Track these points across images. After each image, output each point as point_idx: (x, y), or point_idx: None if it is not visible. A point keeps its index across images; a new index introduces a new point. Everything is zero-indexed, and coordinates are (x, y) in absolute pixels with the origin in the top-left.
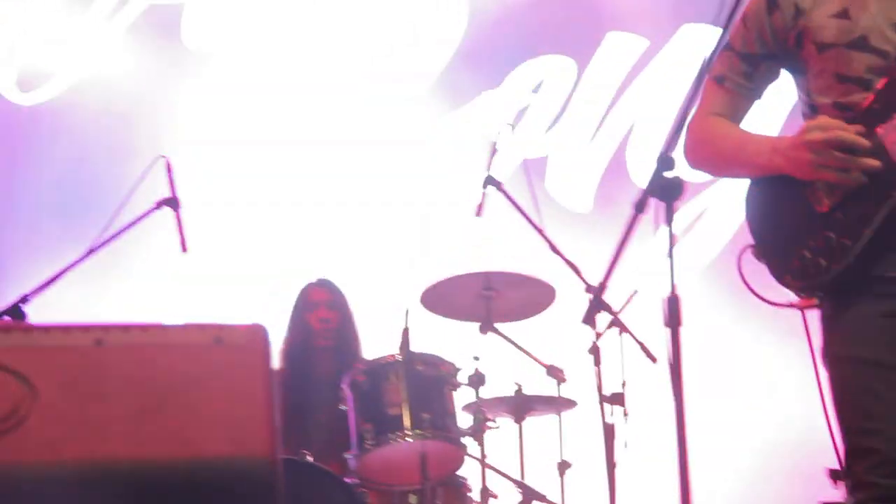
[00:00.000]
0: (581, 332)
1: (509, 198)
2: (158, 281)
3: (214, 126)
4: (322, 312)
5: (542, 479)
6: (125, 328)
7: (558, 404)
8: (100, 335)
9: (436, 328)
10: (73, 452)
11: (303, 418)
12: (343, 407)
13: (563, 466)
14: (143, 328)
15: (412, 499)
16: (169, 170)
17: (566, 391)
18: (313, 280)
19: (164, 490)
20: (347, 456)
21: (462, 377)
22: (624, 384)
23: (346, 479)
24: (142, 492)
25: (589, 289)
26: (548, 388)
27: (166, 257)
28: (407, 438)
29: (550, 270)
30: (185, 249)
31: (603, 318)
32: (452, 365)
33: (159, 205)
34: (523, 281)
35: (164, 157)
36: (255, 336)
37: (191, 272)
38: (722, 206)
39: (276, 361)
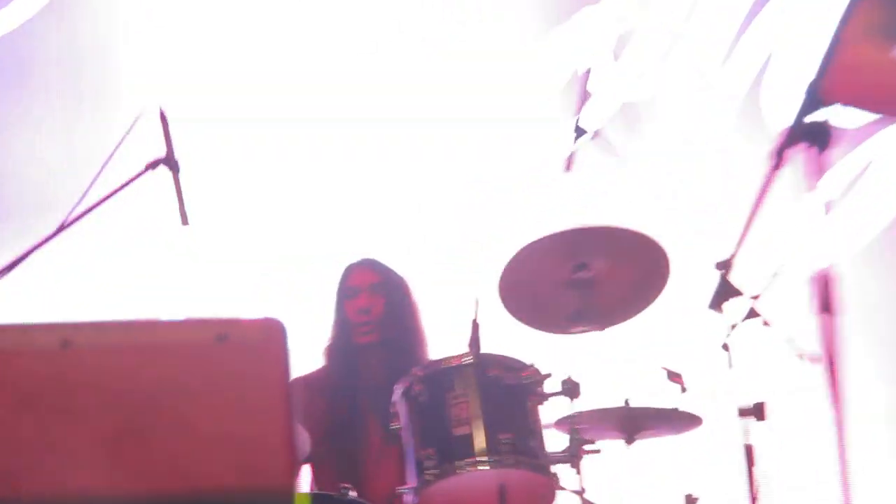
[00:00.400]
0: (706, 323)
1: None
2: (150, 263)
3: (221, 64)
4: (362, 300)
5: None
6: (100, 326)
7: (679, 420)
8: (68, 335)
9: (512, 322)
10: (32, 487)
11: (343, 440)
12: (396, 426)
13: (690, 502)
14: (124, 325)
15: None
16: (164, 122)
17: (688, 403)
18: (356, 260)
19: None
20: (402, 491)
21: (551, 385)
22: (766, 393)
23: None
24: None
25: (718, 265)
26: (664, 398)
27: (161, 233)
28: (480, 467)
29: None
30: (185, 222)
31: (735, 305)
32: (538, 370)
33: (152, 166)
34: (628, 254)
35: (157, 106)
36: (269, 333)
37: (193, 251)
38: (891, 160)
39: (306, 365)
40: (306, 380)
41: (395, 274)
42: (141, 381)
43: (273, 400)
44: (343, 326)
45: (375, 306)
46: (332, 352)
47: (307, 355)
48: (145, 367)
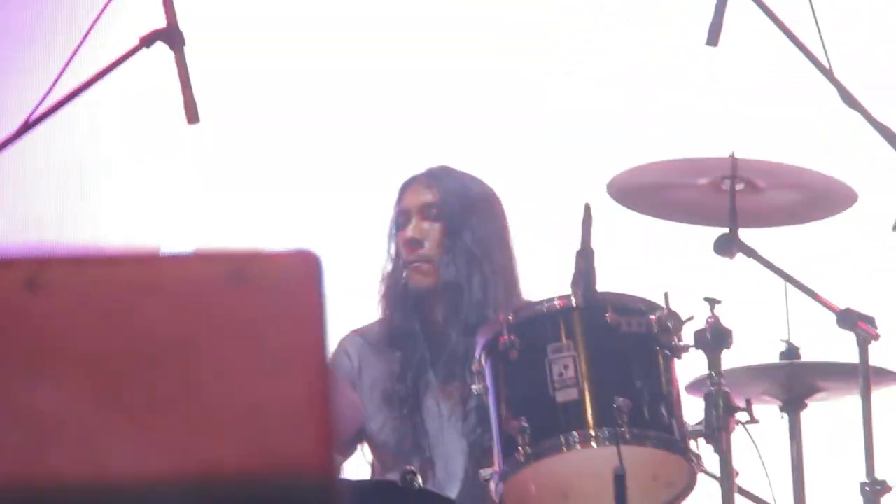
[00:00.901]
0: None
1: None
2: (144, 177)
3: None
4: (416, 228)
5: None
6: (77, 260)
7: (865, 379)
8: (34, 272)
9: (635, 247)
10: None
11: (406, 411)
12: (478, 389)
13: (877, 489)
14: (109, 260)
15: None
16: None
17: (878, 355)
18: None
19: None
20: (486, 474)
21: (689, 334)
22: None
23: None
24: None
25: None
26: (842, 350)
27: (161, 133)
28: (591, 444)
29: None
30: (193, 119)
31: None
32: (674, 312)
33: (147, 42)
34: (795, 171)
35: None
36: (301, 270)
37: (206, 158)
38: None
39: (362, 314)
40: (362, 334)
41: (471, 185)
42: (130, 335)
43: (305, 358)
44: (397, 266)
45: (431, 236)
46: (389, 299)
47: (364, 302)
48: (136, 316)
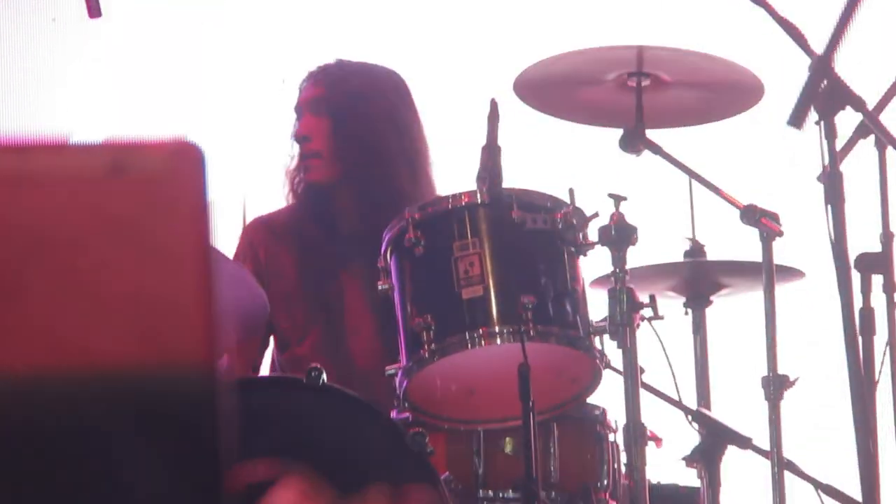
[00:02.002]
0: (802, 151)
1: None
2: (31, 64)
3: None
4: (303, 124)
5: (742, 406)
6: None
7: (768, 275)
8: None
9: (540, 144)
10: None
11: (314, 304)
12: (384, 286)
13: (778, 383)
14: None
15: (507, 444)
16: None
17: (785, 251)
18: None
19: (26, 427)
20: (391, 371)
21: (594, 230)
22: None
23: (390, 413)
24: None
25: (816, 63)
26: (746, 247)
27: (60, 30)
28: (496, 340)
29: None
30: (94, 13)
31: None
32: (578, 209)
33: None
34: (703, 60)
35: None
36: (183, 161)
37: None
38: None
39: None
40: (266, 222)
41: (361, 75)
42: (7, 227)
43: (187, 250)
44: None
45: (318, 131)
46: (292, 193)
47: (268, 191)
48: (13, 209)
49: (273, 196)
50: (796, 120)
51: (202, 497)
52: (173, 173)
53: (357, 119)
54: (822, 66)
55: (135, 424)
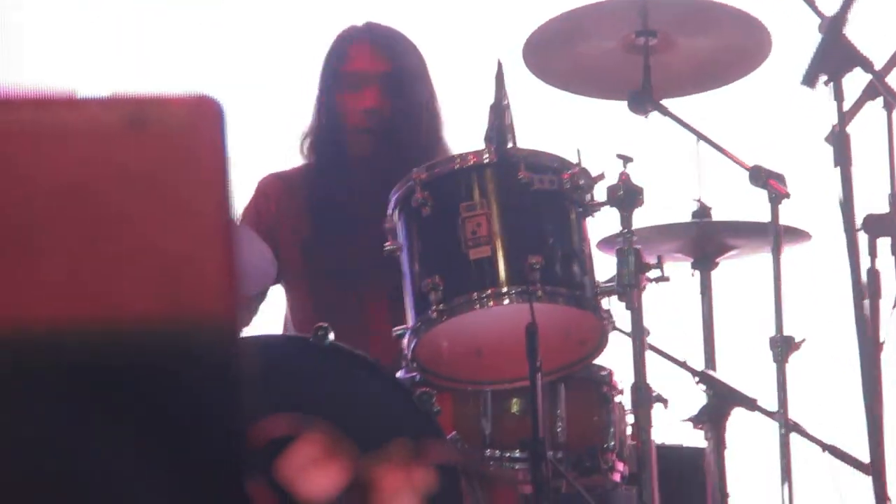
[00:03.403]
0: (810, 112)
1: None
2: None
3: None
4: (369, 98)
5: (749, 368)
6: None
7: (776, 237)
8: None
9: (548, 104)
10: None
11: (326, 262)
12: (390, 247)
13: (785, 344)
14: (3, 103)
15: (514, 405)
16: None
17: (792, 212)
18: (354, 26)
19: (47, 379)
20: (398, 332)
21: (601, 191)
22: None
23: (397, 373)
24: (7, 382)
25: (824, 25)
26: (753, 209)
27: None
28: (503, 301)
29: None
30: None
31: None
32: (585, 169)
33: None
34: (710, 19)
35: None
36: (202, 115)
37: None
38: None
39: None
40: (281, 177)
41: (412, 53)
42: (27, 180)
43: (207, 205)
44: (337, 125)
45: (386, 108)
46: (318, 147)
47: (279, 149)
48: (34, 162)
49: (272, 151)
50: (809, 80)
51: (224, 451)
52: (193, 128)
53: (413, 102)
54: (836, 27)
55: (154, 378)
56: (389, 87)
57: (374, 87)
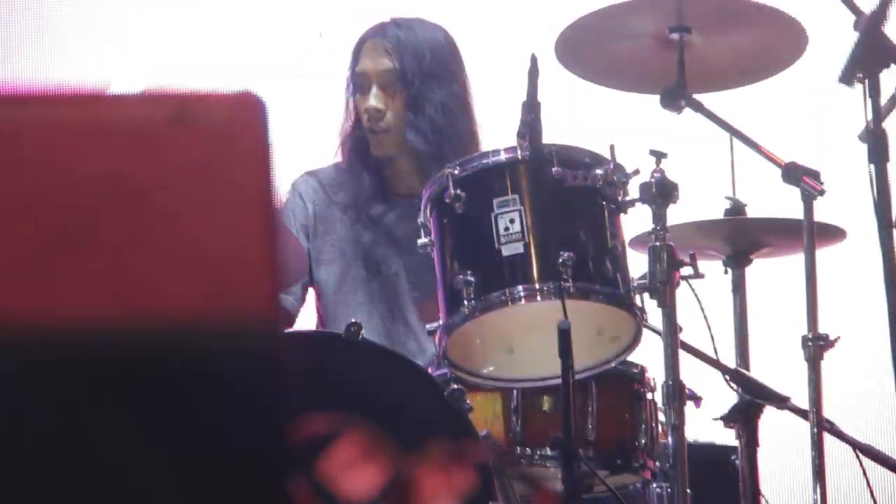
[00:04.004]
0: (845, 109)
1: None
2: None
3: None
4: (374, 98)
5: (782, 366)
6: (12, 99)
7: (809, 234)
8: None
9: (581, 99)
10: None
11: (359, 262)
12: (424, 242)
13: (819, 343)
14: (48, 100)
15: (545, 402)
16: None
17: (826, 209)
18: (385, 20)
19: (86, 376)
20: (431, 328)
21: (635, 187)
22: None
23: (429, 369)
24: (46, 379)
25: (862, 22)
26: (787, 206)
27: None
28: (536, 298)
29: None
30: None
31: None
32: (619, 165)
33: None
34: (745, 16)
35: None
36: (243, 112)
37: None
38: None
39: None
40: (316, 176)
41: (430, 45)
42: (74, 176)
43: (250, 202)
44: (356, 127)
45: (393, 107)
46: (350, 156)
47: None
48: (79, 158)
49: (307, 149)
50: (847, 78)
51: (267, 449)
52: (236, 124)
53: (434, 98)
54: (874, 23)
55: (197, 375)
56: (393, 85)
57: (377, 86)
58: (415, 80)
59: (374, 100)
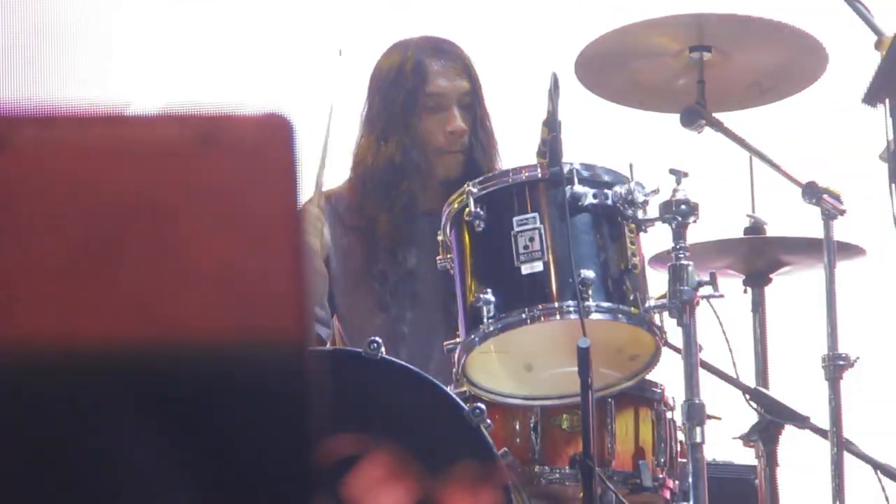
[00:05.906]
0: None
1: None
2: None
3: None
4: (458, 119)
5: (802, 386)
6: (45, 120)
7: (829, 253)
8: (2, 132)
9: (601, 118)
10: None
11: (377, 280)
12: (443, 260)
13: (839, 363)
14: (77, 120)
15: (564, 420)
16: None
17: (846, 228)
18: (429, 35)
19: (112, 397)
20: (449, 346)
21: (655, 206)
22: None
23: (449, 387)
24: (72, 399)
25: (887, 42)
26: (807, 225)
27: None
28: (555, 316)
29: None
30: None
31: None
32: (639, 184)
33: None
34: (766, 36)
35: None
36: (273, 133)
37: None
38: None
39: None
40: (330, 198)
41: (474, 68)
42: (101, 196)
43: (278, 223)
44: (415, 148)
45: (467, 127)
46: (368, 166)
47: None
48: (106, 178)
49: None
50: (871, 99)
51: (293, 470)
52: (264, 145)
53: (486, 118)
54: None
55: (225, 397)
56: (467, 106)
57: (457, 106)
58: (480, 101)
59: (461, 121)
